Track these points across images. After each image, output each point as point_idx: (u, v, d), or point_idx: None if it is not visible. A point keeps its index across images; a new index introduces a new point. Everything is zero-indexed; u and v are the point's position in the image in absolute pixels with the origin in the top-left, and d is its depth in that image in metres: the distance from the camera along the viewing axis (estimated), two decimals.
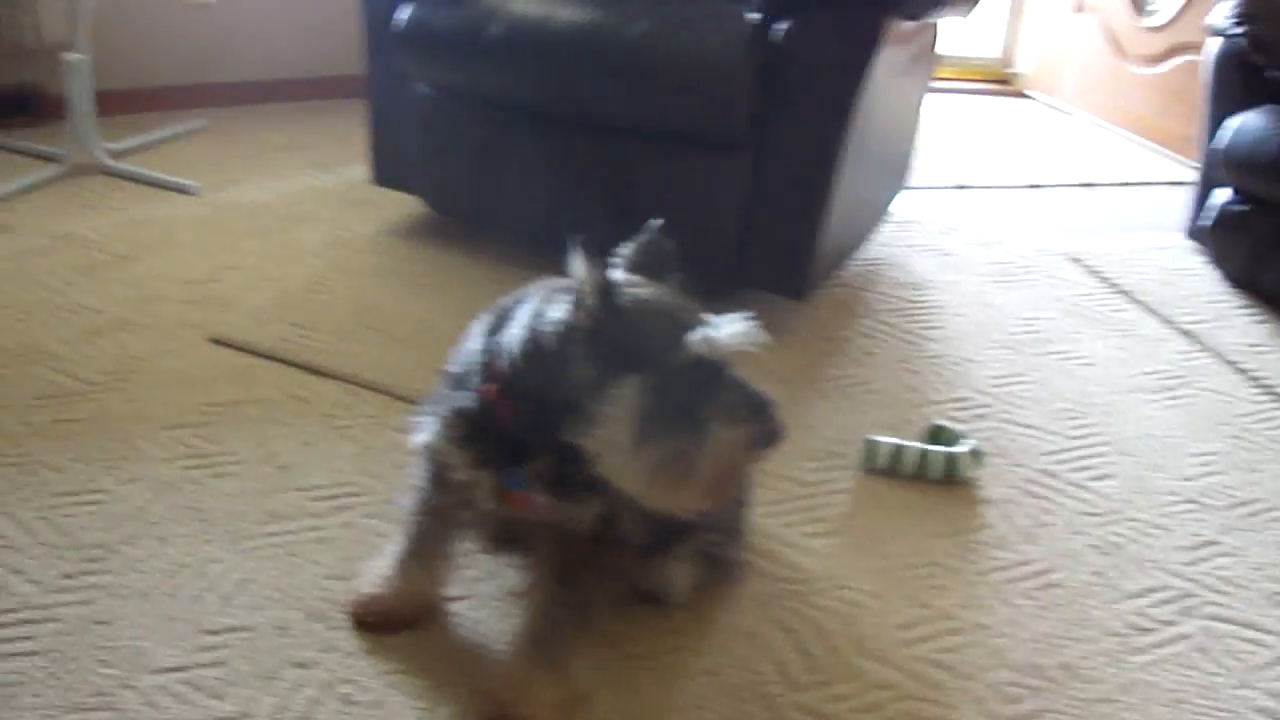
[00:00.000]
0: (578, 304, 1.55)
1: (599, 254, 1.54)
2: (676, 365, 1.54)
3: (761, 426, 1.57)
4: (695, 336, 1.54)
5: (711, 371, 1.56)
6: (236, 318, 2.92)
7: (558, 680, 1.79)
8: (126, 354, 2.71)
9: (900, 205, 4.02)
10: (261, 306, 2.99)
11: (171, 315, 2.92)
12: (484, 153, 3.26)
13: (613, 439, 1.55)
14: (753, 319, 1.59)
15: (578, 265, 1.52)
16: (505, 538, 1.86)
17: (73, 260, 3.19)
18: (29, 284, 3.06)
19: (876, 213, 3.77)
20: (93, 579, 1.99)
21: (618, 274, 1.64)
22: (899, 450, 2.56)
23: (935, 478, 2.55)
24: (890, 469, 2.57)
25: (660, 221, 1.74)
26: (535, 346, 1.60)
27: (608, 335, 1.54)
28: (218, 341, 2.80)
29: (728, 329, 1.57)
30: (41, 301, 2.97)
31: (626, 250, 1.73)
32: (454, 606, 2.03)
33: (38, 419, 2.45)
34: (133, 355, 2.71)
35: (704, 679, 1.93)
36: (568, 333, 1.56)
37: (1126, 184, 5.15)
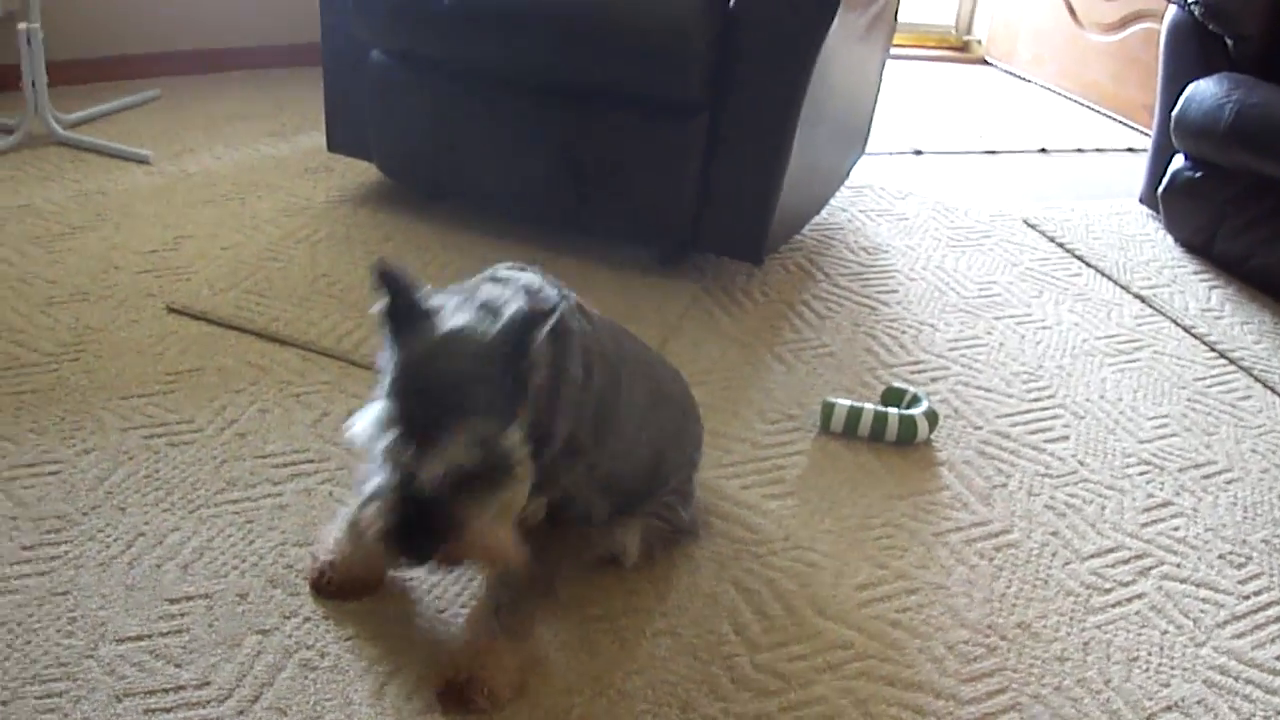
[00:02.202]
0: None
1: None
2: None
3: None
4: None
5: None
6: (193, 286, 2.91)
7: (518, 646, 1.80)
8: (83, 324, 2.69)
9: (858, 170, 4.03)
10: (218, 275, 2.97)
11: (128, 285, 2.90)
12: (439, 119, 3.24)
13: None
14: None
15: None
16: None
17: (28, 231, 3.15)
18: None
19: (834, 177, 3.77)
20: (51, 550, 1.98)
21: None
22: (855, 412, 2.58)
23: (891, 440, 2.57)
24: (847, 431, 2.59)
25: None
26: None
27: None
28: (175, 310, 2.79)
29: None
30: None
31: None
32: (412, 572, 2.03)
33: None
34: (89, 326, 2.69)
35: (663, 640, 1.95)
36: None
37: (1082, 150, 5.18)
